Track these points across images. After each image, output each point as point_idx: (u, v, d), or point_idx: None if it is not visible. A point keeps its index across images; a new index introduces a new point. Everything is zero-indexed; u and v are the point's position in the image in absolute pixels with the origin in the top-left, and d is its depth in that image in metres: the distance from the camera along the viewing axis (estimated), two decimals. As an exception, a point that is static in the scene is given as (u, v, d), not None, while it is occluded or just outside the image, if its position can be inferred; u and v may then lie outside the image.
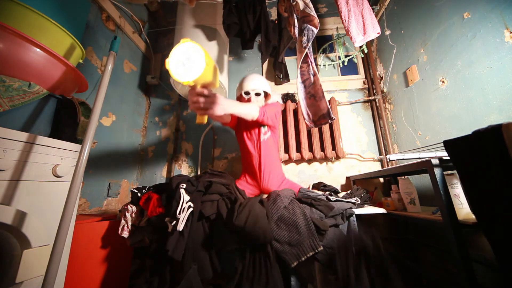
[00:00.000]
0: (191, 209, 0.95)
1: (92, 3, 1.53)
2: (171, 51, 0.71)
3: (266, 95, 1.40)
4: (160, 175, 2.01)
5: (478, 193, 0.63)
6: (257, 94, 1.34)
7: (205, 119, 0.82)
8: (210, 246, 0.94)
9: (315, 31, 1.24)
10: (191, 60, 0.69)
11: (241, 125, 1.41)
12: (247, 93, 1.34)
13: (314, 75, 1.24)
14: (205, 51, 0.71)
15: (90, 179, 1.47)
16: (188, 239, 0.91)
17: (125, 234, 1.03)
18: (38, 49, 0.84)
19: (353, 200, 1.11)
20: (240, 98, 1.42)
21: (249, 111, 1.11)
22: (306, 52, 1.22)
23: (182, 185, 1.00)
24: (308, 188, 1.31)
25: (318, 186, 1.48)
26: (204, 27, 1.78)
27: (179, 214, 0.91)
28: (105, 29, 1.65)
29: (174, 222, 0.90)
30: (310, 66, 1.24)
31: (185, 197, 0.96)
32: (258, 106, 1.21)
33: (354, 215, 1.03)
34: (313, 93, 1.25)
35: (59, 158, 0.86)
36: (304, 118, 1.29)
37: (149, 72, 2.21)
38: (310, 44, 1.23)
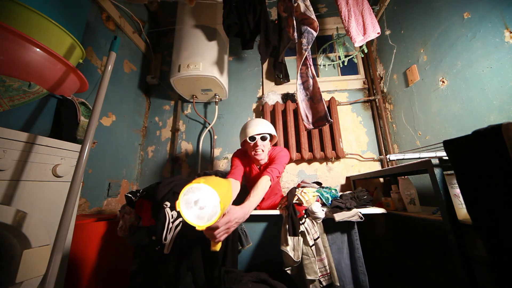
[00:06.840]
0: (180, 226, 0.88)
1: (92, 3, 1.53)
2: (182, 192, 0.65)
3: (272, 137, 1.32)
4: (160, 175, 2.01)
5: (476, 194, 0.63)
6: (263, 139, 1.25)
7: (219, 246, 0.78)
8: (203, 253, 0.90)
9: (315, 34, 1.25)
10: (206, 207, 0.66)
11: (249, 179, 1.38)
12: (252, 138, 1.24)
13: (313, 77, 1.24)
14: (220, 190, 0.67)
15: (90, 179, 1.47)
16: (180, 252, 0.86)
17: (123, 234, 1.02)
18: (38, 49, 0.85)
19: (353, 216, 1.02)
20: (244, 144, 1.34)
21: (265, 190, 1.08)
22: (305, 55, 1.22)
23: (166, 204, 0.90)
24: (304, 185, 1.25)
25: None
26: (204, 27, 1.78)
27: (165, 239, 0.83)
28: (105, 29, 1.65)
29: (159, 247, 0.84)
30: (309, 68, 1.24)
31: (170, 216, 0.88)
32: (268, 176, 1.12)
33: (355, 225, 0.98)
34: (312, 95, 1.25)
35: (59, 158, 0.86)
36: (302, 120, 1.29)
37: (149, 72, 2.21)
38: (309, 47, 1.23)
